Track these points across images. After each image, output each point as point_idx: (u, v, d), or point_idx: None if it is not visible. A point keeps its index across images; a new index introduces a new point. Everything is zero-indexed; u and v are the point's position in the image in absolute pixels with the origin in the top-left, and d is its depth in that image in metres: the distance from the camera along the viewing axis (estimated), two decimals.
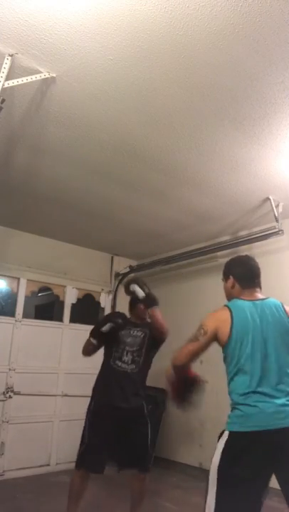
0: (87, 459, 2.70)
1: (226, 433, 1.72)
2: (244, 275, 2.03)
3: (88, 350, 2.95)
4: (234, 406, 1.77)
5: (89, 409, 2.85)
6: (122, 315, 3.05)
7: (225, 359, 1.86)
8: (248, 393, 1.74)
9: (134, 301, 3.01)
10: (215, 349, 1.94)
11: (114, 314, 3.28)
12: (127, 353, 2.86)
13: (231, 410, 1.78)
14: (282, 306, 1.94)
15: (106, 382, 2.85)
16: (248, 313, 1.87)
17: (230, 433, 1.71)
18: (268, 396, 1.72)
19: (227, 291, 2.08)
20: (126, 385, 2.80)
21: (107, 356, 2.94)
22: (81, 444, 2.75)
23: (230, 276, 2.05)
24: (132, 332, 2.92)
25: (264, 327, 1.84)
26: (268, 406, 1.70)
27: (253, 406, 1.71)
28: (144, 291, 2.86)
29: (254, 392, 1.73)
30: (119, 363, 2.84)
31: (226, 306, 1.92)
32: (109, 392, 2.79)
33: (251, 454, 1.65)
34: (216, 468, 1.67)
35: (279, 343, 1.83)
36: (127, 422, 2.75)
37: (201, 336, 1.85)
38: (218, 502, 1.62)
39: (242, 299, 1.95)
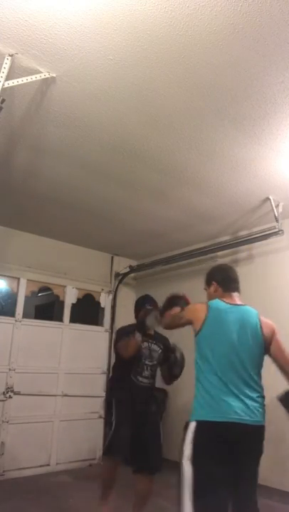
0: (117, 446, 2.76)
1: (193, 423, 1.83)
2: (225, 279, 2.19)
3: (133, 349, 2.82)
4: (202, 396, 1.87)
5: (110, 403, 2.90)
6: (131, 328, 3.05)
7: (197, 349, 2.00)
8: (218, 388, 1.84)
9: (138, 308, 3.03)
10: None
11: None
12: (147, 368, 2.88)
13: (197, 400, 1.89)
14: (258, 316, 2.06)
15: (130, 395, 2.85)
16: (226, 314, 2.00)
17: (199, 422, 1.82)
18: (235, 395, 1.84)
19: (210, 297, 2.21)
20: (144, 397, 2.87)
21: (127, 369, 2.88)
22: (109, 433, 2.82)
23: (213, 282, 2.21)
24: (150, 346, 2.93)
25: (241, 330, 1.96)
26: (235, 402, 1.82)
27: (222, 400, 1.82)
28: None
29: (225, 389, 1.84)
30: (140, 378, 2.86)
31: (206, 303, 2.09)
32: (132, 401, 2.82)
33: (218, 443, 1.76)
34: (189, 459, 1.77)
35: (253, 349, 1.95)
36: (143, 425, 2.81)
37: (182, 318, 2.17)
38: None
39: (223, 300, 2.08)
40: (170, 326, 2.32)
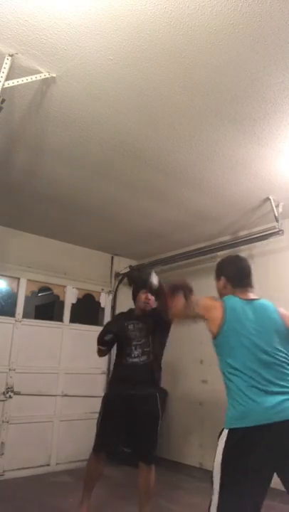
0: (99, 441, 2.88)
1: (225, 431, 1.72)
2: (235, 275, 2.08)
3: (102, 354, 3.14)
4: (232, 403, 1.77)
5: (103, 398, 3.02)
6: (125, 314, 3.19)
7: (217, 351, 1.89)
8: (246, 388, 1.73)
9: (136, 290, 3.11)
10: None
11: (112, 321, 3.32)
12: (136, 348, 2.92)
13: (229, 408, 1.78)
14: (275, 307, 1.98)
15: (120, 376, 2.96)
16: (242, 308, 1.90)
17: (230, 431, 1.71)
18: (265, 392, 1.71)
19: (219, 291, 2.13)
20: (139, 375, 2.88)
21: (118, 355, 3.03)
22: (96, 429, 2.94)
23: (222, 277, 2.11)
24: (135, 326, 2.98)
25: (259, 324, 1.85)
26: (268, 401, 1.69)
27: (253, 401, 1.70)
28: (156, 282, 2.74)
29: (252, 387, 1.73)
30: (130, 359, 2.91)
31: (221, 301, 1.98)
32: (122, 382, 2.90)
33: (252, 451, 1.64)
34: (219, 466, 1.68)
35: (275, 340, 1.84)
36: (138, 407, 2.81)
37: (194, 311, 1.98)
38: (221, 500, 1.63)
39: (237, 296, 1.99)
40: (178, 316, 2.16)
